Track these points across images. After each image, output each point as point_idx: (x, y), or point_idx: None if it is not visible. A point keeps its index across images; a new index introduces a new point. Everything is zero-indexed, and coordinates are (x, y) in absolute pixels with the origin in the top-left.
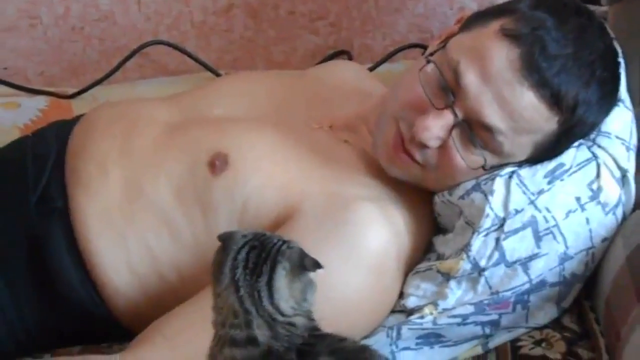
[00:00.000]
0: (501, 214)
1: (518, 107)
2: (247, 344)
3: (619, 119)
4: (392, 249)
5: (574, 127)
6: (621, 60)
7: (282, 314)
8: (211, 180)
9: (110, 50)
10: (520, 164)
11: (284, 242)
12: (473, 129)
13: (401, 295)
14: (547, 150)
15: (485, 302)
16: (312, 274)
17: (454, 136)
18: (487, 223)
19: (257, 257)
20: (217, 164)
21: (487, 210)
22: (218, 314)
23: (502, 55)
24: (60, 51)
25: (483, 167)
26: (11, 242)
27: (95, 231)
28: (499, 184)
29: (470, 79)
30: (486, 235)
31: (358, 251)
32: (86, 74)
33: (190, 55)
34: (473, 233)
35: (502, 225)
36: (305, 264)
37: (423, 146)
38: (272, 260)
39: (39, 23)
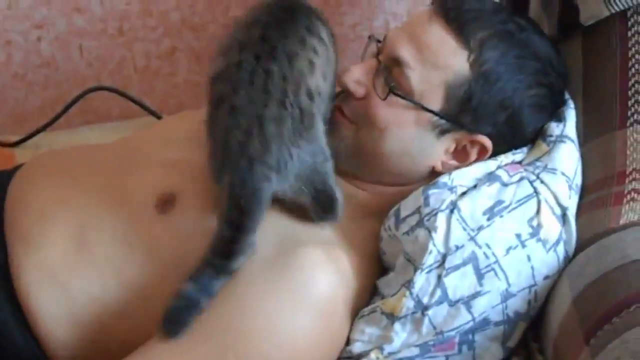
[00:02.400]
0: (442, 250)
1: (426, 39)
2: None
3: (567, 156)
4: (340, 294)
5: (486, 76)
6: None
7: None
8: (157, 221)
9: (53, 97)
10: (443, 120)
11: None
12: (391, 73)
13: (347, 341)
14: (463, 101)
15: (431, 343)
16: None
17: (376, 85)
18: (429, 260)
19: None
20: (163, 203)
21: (430, 246)
22: None
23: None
24: (2, 98)
25: (391, 90)
26: None
27: (35, 285)
28: (441, 219)
29: (394, 29)
30: (428, 272)
31: (305, 296)
32: (29, 121)
33: (133, 100)
34: (416, 270)
35: (443, 262)
36: None
37: (348, 94)
38: None
39: None
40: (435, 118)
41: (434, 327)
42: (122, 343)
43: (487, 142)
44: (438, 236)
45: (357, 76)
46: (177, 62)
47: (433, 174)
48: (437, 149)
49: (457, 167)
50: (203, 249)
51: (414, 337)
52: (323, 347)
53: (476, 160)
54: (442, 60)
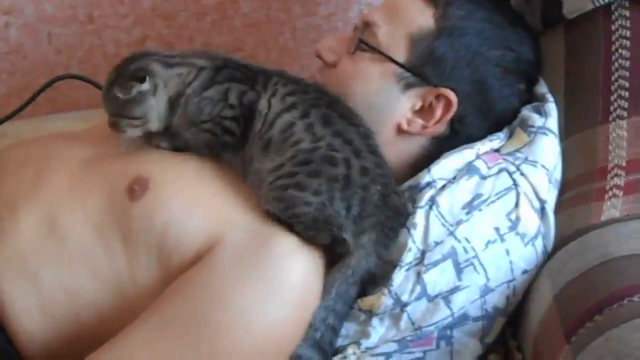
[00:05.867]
0: (421, 247)
1: (396, 2)
2: None
3: (548, 149)
4: (315, 284)
5: (451, 30)
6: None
7: None
8: (130, 207)
9: (21, 85)
10: (407, 72)
11: None
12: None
13: None
14: (427, 54)
15: (409, 338)
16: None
17: (348, 49)
18: (408, 257)
19: None
20: (136, 188)
21: (410, 244)
22: None
23: None
24: None
25: (359, 42)
26: None
27: (4, 277)
28: (420, 216)
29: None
30: (408, 269)
31: (279, 285)
32: None
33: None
34: (394, 267)
35: (422, 259)
36: None
37: (322, 62)
38: None
39: None
40: (400, 70)
41: (413, 323)
42: (94, 336)
43: (452, 96)
44: (417, 233)
45: (329, 44)
46: None
47: (400, 134)
48: (402, 105)
49: (423, 127)
50: (178, 237)
51: (392, 332)
52: (298, 338)
53: (442, 118)
54: (407, 17)
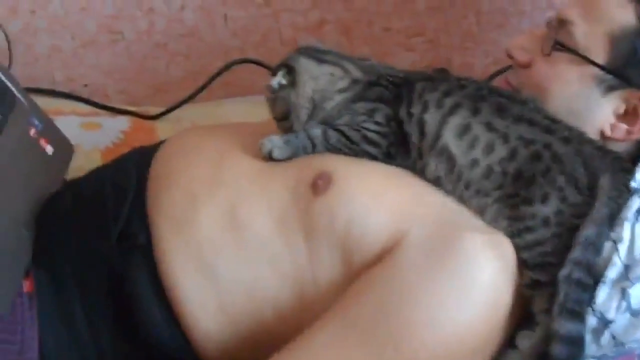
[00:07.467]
0: (626, 262)
1: None
2: None
3: None
4: (505, 283)
5: None
6: None
7: None
8: (313, 202)
9: (195, 68)
10: (608, 74)
11: None
12: (557, 35)
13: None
14: (629, 54)
15: (610, 354)
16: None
17: (543, 49)
18: (612, 272)
19: None
20: (320, 183)
21: (615, 259)
22: None
23: None
24: (142, 68)
25: (555, 44)
26: (92, 280)
27: (181, 268)
28: (626, 229)
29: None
30: (611, 285)
31: (470, 282)
32: (169, 92)
33: None
34: (597, 283)
35: (626, 273)
36: None
37: (514, 62)
38: None
39: (120, 38)
40: (600, 73)
41: (614, 338)
42: (272, 335)
43: None
44: (623, 247)
45: (521, 43)
46: (325, 34)
47: (603, 140)
48: (604, 109)
49: (628, 132)
50: (361, 233)
51: (592, 348)
52: (488, 339)
53: None
54: (606, 14)
